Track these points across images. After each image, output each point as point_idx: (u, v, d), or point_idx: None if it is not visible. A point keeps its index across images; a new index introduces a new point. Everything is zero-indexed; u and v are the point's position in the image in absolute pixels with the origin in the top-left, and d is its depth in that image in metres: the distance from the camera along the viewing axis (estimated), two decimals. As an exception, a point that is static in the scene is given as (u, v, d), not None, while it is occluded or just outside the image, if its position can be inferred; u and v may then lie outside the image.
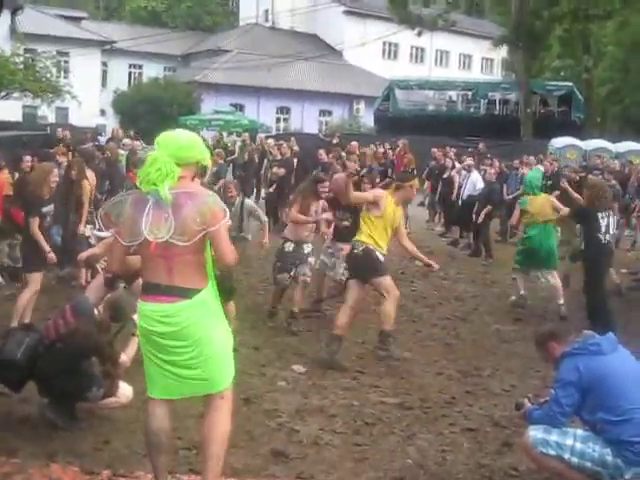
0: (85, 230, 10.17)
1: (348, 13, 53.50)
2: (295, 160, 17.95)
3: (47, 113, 36.74)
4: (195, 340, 4.03)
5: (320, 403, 6.26)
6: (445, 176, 17.14)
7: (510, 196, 15.93)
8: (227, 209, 4.12)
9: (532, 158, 18.91)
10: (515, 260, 10.54)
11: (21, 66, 32.16)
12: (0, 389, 5.77)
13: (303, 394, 6.43)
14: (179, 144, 4.08)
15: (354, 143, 19.19)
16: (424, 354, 7.97)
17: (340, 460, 5.13)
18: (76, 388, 5.40)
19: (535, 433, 4.55)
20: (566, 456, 4.43)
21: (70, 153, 12.53)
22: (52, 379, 5.37)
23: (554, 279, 10.09)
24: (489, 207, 14.50)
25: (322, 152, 17.66)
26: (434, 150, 20.07)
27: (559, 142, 28.19)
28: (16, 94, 31.49)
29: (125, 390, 5.59)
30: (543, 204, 10.20)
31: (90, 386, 5.41)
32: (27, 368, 5.44)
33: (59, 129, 20.54)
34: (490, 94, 39.17)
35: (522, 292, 10.38)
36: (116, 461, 4.87)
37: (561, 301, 9.87)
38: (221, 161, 17.95)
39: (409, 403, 6.39)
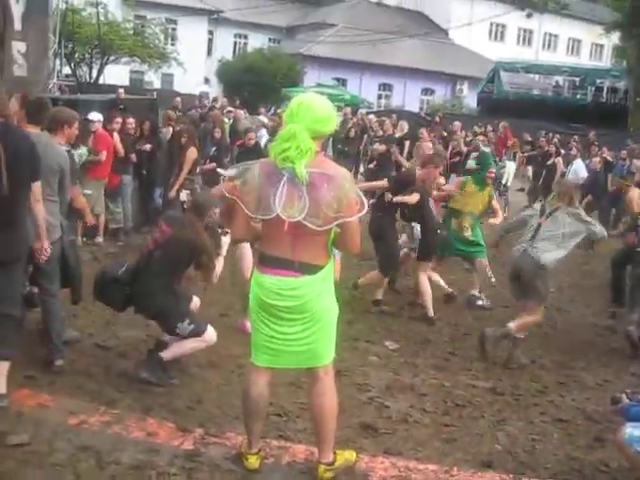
0: (181, 195, 10.42)
1: (456, -9, 52.65)
2: (407, 142, 17.65)
3: (153, 79, 37.49)
4: (312, 314, 4.04)
5: (411, 381, 6.26)
6: (549, 163, 16.73)
7: (614, 187, 15.50)
8: (364, 197, 4.00)
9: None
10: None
11: (131, 32, 32.85)
12: (101, 342, 5.99)
13: (394, 370, 6.45)
14: (316, 116, 3.88)
15: (457, 123, 18.95)
16: (517, 341, 7.86)
17: (429, 439, 5.12)
18: (173, 309, 5.58)
19: (632, 430, 4.43)
20: (663, 457, 4.32)
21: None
22: (151, 296, 5.57)
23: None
24: (590, 197, 14.17)
25: (423, 131, 17.46)
26: (526, 135, 19.80)
27: (668, 134, 27.24)
28: (125, 59, 32.20)
29: (209, 332, 5.69)
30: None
31: (183, 317, 5.56)
32: (128, 283, 5.66)
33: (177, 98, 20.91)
34: (598, 81, 38.16)
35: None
36: (208, 421, 4.99)
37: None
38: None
39: (500, 388, 6.33)
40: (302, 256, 3.94)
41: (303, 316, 4.03)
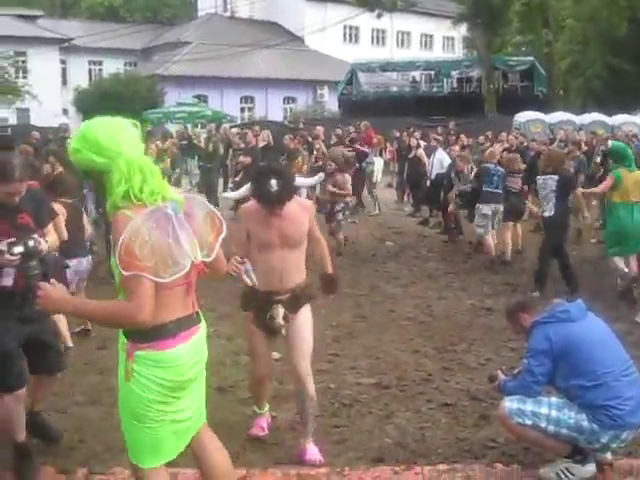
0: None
1: (307, -2, 53.28)
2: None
3: (7, 115, 36.26)
4: (204, 365, 3.52)
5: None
6: (411, 156, 17.10)
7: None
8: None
9: (504, 134, 19.01)
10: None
11: (-22, 68, 31.76)
12: None
13: (279, 380, 6.37)
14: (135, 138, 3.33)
15: (319, 128, 19.16)
16: (399, 333, 7.96)
17: (319, 443, 5.08)
18: None
19: (510, 404, 4.55)
20: (542, 424, 4.45)
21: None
22: None
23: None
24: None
25: (288, 138, 17.61)
26: (394, 131, 20.25)
27: (523, 116, 28.33)
28: (-26, 97, 31.11)
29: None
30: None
31: None
32: None
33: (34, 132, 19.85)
34: (453, 72, 39.31)
35: (625, 270, 9.08)
36: (91, 459, 4.82)
37: None
38: (176, 150, 17.96)
39: (386, 382, 6.38)
40: (193, 304, 3.38)
41: (202, 369, 3.50)
